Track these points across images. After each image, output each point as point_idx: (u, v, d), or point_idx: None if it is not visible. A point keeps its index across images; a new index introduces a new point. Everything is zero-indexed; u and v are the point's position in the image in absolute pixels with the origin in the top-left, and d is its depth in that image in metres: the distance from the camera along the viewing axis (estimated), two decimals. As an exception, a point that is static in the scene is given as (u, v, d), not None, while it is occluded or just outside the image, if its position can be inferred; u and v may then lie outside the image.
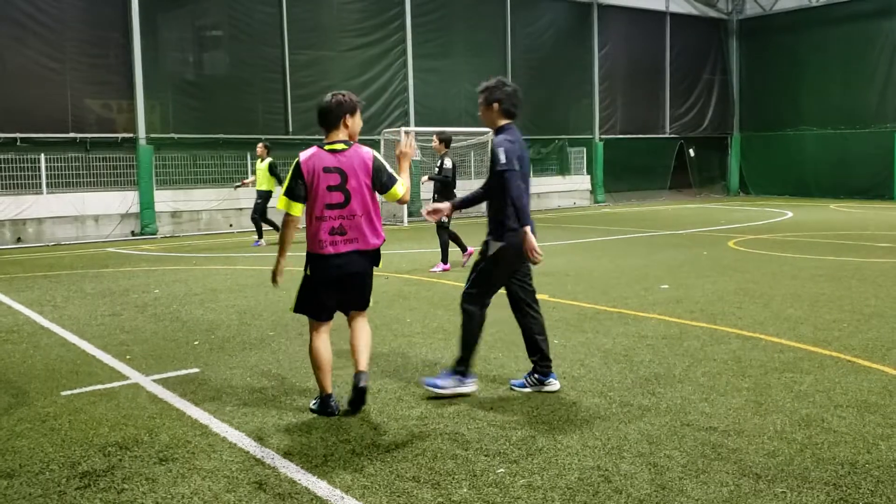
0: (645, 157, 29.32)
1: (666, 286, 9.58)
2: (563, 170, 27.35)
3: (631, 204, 27.78)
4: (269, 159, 16.08)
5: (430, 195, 12.50)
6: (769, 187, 30.42)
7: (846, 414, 4.75)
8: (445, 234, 11.48)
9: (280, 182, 15.41)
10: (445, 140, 11.53)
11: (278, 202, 5.03)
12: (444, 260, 11.49)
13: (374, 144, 22.23)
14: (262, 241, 16.09)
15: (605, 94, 28.34)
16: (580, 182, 27.82)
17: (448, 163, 11.55)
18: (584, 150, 27.81)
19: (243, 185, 17.95)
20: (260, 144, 16.41)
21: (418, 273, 11.23)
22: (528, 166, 5.45)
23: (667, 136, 30.28)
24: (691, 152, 30.92)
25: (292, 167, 4.96)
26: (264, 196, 16.11)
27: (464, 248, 11.58)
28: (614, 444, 4.34)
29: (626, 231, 17.42)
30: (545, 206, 26.77)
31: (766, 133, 30.59)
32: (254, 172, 16.98)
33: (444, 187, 11.49)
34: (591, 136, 28.04)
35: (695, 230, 17.15)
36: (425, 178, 12.01)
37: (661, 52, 29.93)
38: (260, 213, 16.12)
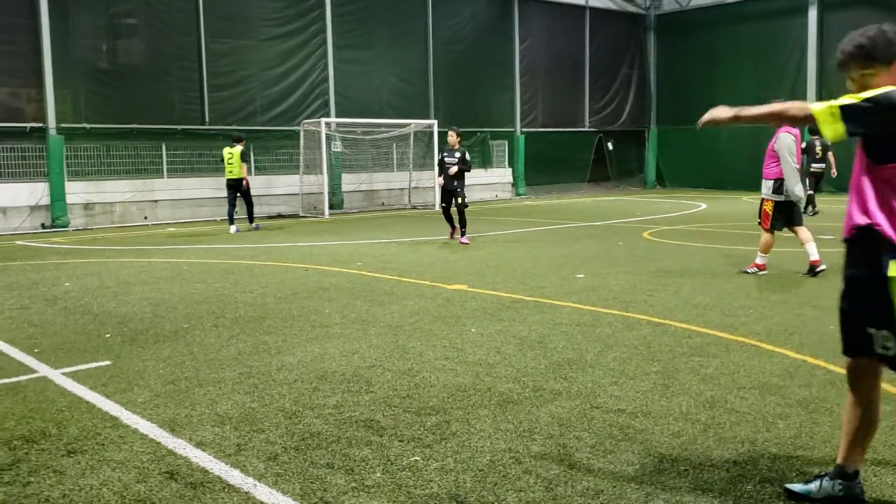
0: (565, 151, 29.82)
1: (582, 275, 9.81)
2: (485, 162, 27.59)
3: (551, 196, 28.24)
4: (240, 147, 16.93)
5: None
6: (685, 180, 31.32)
7: (748, 395, 4.97)
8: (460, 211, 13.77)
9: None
10: (460, 134, 14.21)
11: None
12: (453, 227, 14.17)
13: (294, 135, 22.02)
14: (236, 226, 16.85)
15: (527, 87, 28.69)
16: (502, 175, 28.11)
17: (467, 154, 14.06)
18: (506, 143, 28.11)
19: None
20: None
21: (338, 265, 11.20)
22: None
23: (586, 129, 30.86)
24: (610, 146, 31.61)
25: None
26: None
27: (452, 230, 14.27)
28: (526, 427, 4.45)
29: (545, 223, 17.72)
30: (468, 198, 26.92)
31: (681, 127, 31.50)
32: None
33: (462, 174, 13.89)
34: (512, 130, 28.36)
35: (612, 222, 17.57)
36: (454, 169, 13.69)
37: (581, 47, 30.46)
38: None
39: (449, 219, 14.28)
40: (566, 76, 30.09)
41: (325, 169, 21.22)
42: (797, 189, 9.50)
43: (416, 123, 23.86)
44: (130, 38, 20.79)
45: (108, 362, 6.00)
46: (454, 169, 13.66)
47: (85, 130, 19.12)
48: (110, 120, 19.48)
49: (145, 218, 19.82)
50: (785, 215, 9.71)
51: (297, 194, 22.05)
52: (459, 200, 13.71)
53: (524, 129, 28.63)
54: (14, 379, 5.57)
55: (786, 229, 9.91)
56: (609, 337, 6.56)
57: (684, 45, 31.29)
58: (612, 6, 31.40)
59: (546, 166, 29.01)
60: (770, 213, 9.69)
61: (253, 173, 21.36)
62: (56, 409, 4.88)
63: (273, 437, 4.36)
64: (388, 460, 4.00)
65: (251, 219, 17.42)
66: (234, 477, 3.83)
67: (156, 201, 20.04)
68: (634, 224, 16.92)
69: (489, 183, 27.64)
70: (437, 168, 14.95)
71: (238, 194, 16.97)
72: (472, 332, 6.80)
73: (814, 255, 9.59)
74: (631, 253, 12.02)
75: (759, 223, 9.96)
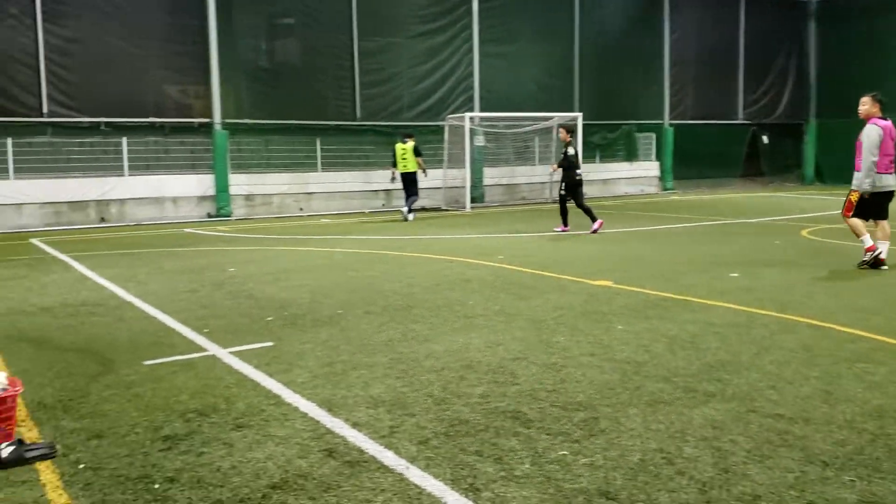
0: (716, 144, 28.69)
1: (735, 274, 9.46)
2: (631, 156, 27.03)
3: (700, 192, 27.30)
4: (411, 142, 18.62)
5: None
6: (847, 176, 29.31)
7: (920, 405, 4.66)
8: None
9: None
10: (571, 130, 14.85)
11: None
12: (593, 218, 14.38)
13: (438, 130, 22.41)
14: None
15: (676, 78, 27.85)
16: (648, 168, 27.46)
17: (571, 150, 14.33)
18: (654, 135, 27.42)
19: (393, 175, 19.07)
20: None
21: (481, 257, 11.33)
22: None
23: (739, 122, 29.61)
24: (764, 139, 30.16)
25: None
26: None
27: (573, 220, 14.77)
28: (678, 427, 4.37)
29: (694, 219, 17.18)
30: (611, 192, 26.53)
31: (844, 120, 29.58)
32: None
33: (568, 169, 14.32)
34: (660, 122, 27.61)
35: (766, 219, 16.80)
36: (554, 165, 14.53)
37: (735, 37, 29.23)
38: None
39: (587, 210, 14.58)
40: (718, 67, 28.97)
41: (468, 163, 21.47)
42: (864, 184, 9.68)
43: (559, 117, 23.69)
44: (287, 37, 21.82)
45: (270, 343, 6.36)
46: (553, 166, 14.53)
47: (247, 126, 20.26)
48: (270, 116, 20.56)
49: (300, 209, 20.78)
50: (875, 207, 9.82)
51: (440, 188, 22.43)
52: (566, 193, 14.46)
53: (672, 122, 27.82)
54: (187, 356, 6.02)
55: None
56: (765, 339, 6.30)
57: (848, 33, 29.33)
58: (770, -6, 29.96)
59: (695, 160, 28.04)
60: (854, 202, 9.87)
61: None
62: (224, 386, 5.23)
63: (423, 421, 4.50)
64: (537, 452, 4.04)
65: (410, 209, 18.47)
66: (388, 458, 3.98)
67: (310, 193, 20.97)
68: (791, 222, 16.10)
69: (635, 177, 27.09)
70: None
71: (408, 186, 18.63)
72: (618, 329, 6.72)
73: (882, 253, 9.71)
74: (788, 252, 11.47)
75: (842, 212, 10.14)
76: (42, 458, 4.03)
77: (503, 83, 24.14)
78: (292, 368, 5.62)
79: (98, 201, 18.53)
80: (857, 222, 9.88)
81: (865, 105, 9.77)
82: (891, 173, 9.69)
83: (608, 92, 26.31)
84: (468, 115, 21.85)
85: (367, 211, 21.29)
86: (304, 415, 4.64)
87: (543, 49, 25.03)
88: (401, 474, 3.79)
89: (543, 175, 24.60)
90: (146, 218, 18.97)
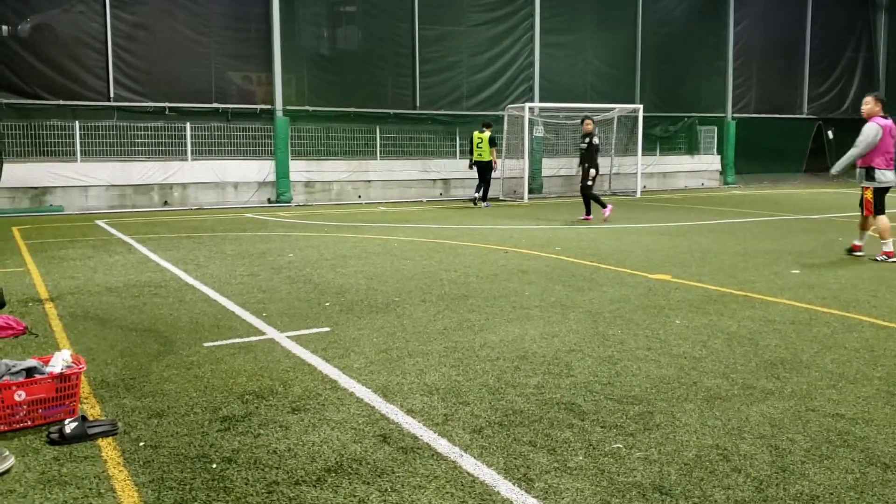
0: (779, 138, 28.05)
1: (797, 271, 9.25)
2: (692, 149, 26.59)
3: (763, 186, 26.71)
4: (488, 132, 19.23)
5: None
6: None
7: None
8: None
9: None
10: (594, 121, 15.67)
11: None
12: (602, 205, 15.51)
13: (498, 120, 22.35)
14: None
15: (740, 71, 27.26)
16: (710, 162, 26.97)
17: (595, 140, 15.35)
18: (716, 129, 26.90)
19: (471, 163, 19.70)
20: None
21: (537, 248, 11.28)
22: None
23: (804, 116, 28.86)
24: (830, 134, 29.33)
25: None
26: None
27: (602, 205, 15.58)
28: (735, 424, 4.31)
29: (756, 213, 16.82)
30: (671, 185, 26.15)
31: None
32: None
33: (591, 158, 15.28)
34: (723, 115, 27.08)
35: (831, 215, 16.36)
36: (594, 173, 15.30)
37: (802, 29, 28.47)
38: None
39: (594, 197, 15.65)
40: (783, 60, 28.28)
41: (527, 153, 21.37)
42: (835, 169, 10.81)
43: (620, 108, 23.41)
44: (349, 25, 21.99)
45: (327, 329, 6.45)
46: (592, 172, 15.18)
47: (307, 113, 20.50)
48: (330, 103, 20.77)
49: (359, 197, 20.98)
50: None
51: (499, 178, 22.39)
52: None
53: (735, 115, 27.25)
54: (246, 339, 6.14)
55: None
56: (827, 337, 6.16)
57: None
58: (840, -16, 29.07)
59: (758, 154, 27.47)
60: (871, 199, 10.41)
61: (458, 157, 22.05)
62: (282, 369, 5.33)
63: (477, 410, 4.52)
64: (591, 445, 4.03)
65: (485, 197, 19.09)
66: (442, 446, 4.02)
67: (369, 181, 21.14)
68: (855, 219, 15.59)
69: (696, 170, 26.65)
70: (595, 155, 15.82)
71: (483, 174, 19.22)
72: (676, 323, 6.64)
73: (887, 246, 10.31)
74: (853, 250, 11.15)
75: (863, 213, 10.56)
76: (104, 434, 4.16)
77: (564, 73, 23.95)
78: (348, 354, 5.69)
79: (161, 185, 18.98)
80: (886, 222, 10.43)
81: (868, 104, 10.51)
82: (892, 169, 10.32)
83: (670, 83, 25.92)
84: (528, 105, 21.74)
85: (424, 200, 21.37)
86: (360, 400, 4.70)
87: (605, 39, 24.74)
88: (454, 462, 3.82)
89: (602, 167, 24.31)
90: (208, 202, 19.37)
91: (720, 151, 27.07)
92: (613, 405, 4.61)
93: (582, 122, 15.64)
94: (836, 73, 29.39)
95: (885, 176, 10.25)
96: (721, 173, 27.17)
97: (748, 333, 6.29)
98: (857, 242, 10.80)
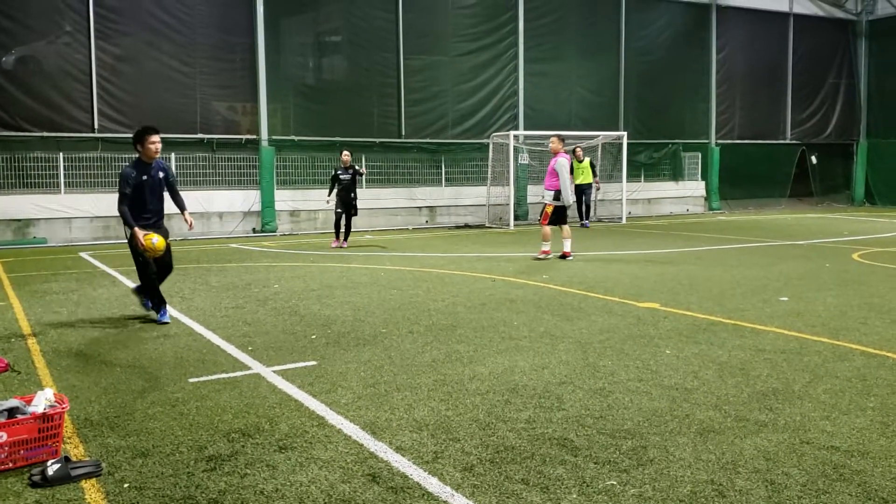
0: (763, 164, 28.28)
1: (785, 298, 9.25)
2: (677, 175, 26.74)
3: (747, 212, 26.87)
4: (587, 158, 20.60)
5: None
6: (898, 198, 28.79)
7: (983, 441, 4.48)
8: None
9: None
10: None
11: None
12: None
13: (483, 148, 22.41)
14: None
15: (723, 97, 27.52)
16: (694, 188, 27.13)
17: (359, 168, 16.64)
18: (700, 155, 27.10)
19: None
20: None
21: (524, 276, 11.24)
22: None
23: (787, 142, 29.13)
24: (813, 159, 29.64)
25: None
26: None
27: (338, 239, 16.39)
28: (729, 458, 4.25)
29: (742, 240, 16.88)
30: (656, 211, 26.25)
31: (895, 140, 29.00)
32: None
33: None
34: (706, 141, 27.29)
35: (816, 241, 16.45)
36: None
37: (784, 55, 28.83)
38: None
39: (338, 227, 16.31)
40: (766, 86, 28.57)
41: (512, 181, 21.43)
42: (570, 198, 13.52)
43: (604, 135, 23.54)
44: (334, 55, 22.04)
45: (314, 362, 6.36)
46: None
47: (293, 142, 20.47)
48: (315, 133, 20.75)
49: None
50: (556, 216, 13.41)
51: (484, 205, 22.40)
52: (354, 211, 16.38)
53: (719, 141, 27.46)
54: (231, 374, 6.04)
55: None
56: (818, 367, 6.13)
57: (900, 52, 28.77)
58: (819, 12, 29.46)
59: (742, 180, 27.68)
60: (549, 213, 13.49)
61: (444, 185, 22.07)
62: (268, 406, 5.23)
63: (468, 447, 4.44)
64: (584, 482, 3.96)
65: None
66: (433, 485, 3.93)
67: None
68: (842, 244, 15.73)
69: (681, 196, 26.79)
70: (330, 183, 16.80)
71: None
72: (666, 353, 6.59)
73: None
74: (839, 276, 11.18)
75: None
76: (87, 476, 4.06)
77: (548, 101, 24.08)
78: (335, 389, 5.61)
79: (146, 216, 18.81)
80: (547, 232, 13.35)
81: (554, 143, 13.43)
82: None
83: (654, 110, 26.12)
84: (512, 133, 21.83)
85: (410, 227, 21.34)
86: (348, 437, 4.62)
87: (589, 67, 24.95)
88: (446, 502, 3.74)
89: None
90: (192, 233, 19.22)
91: (704, 177, 27.25)
92: (606, 440, 4.55)
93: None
94: (818, 99, 29.73)
95: None
96: (706, 199, 27.32)
97: (739, 363, 6.25)
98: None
